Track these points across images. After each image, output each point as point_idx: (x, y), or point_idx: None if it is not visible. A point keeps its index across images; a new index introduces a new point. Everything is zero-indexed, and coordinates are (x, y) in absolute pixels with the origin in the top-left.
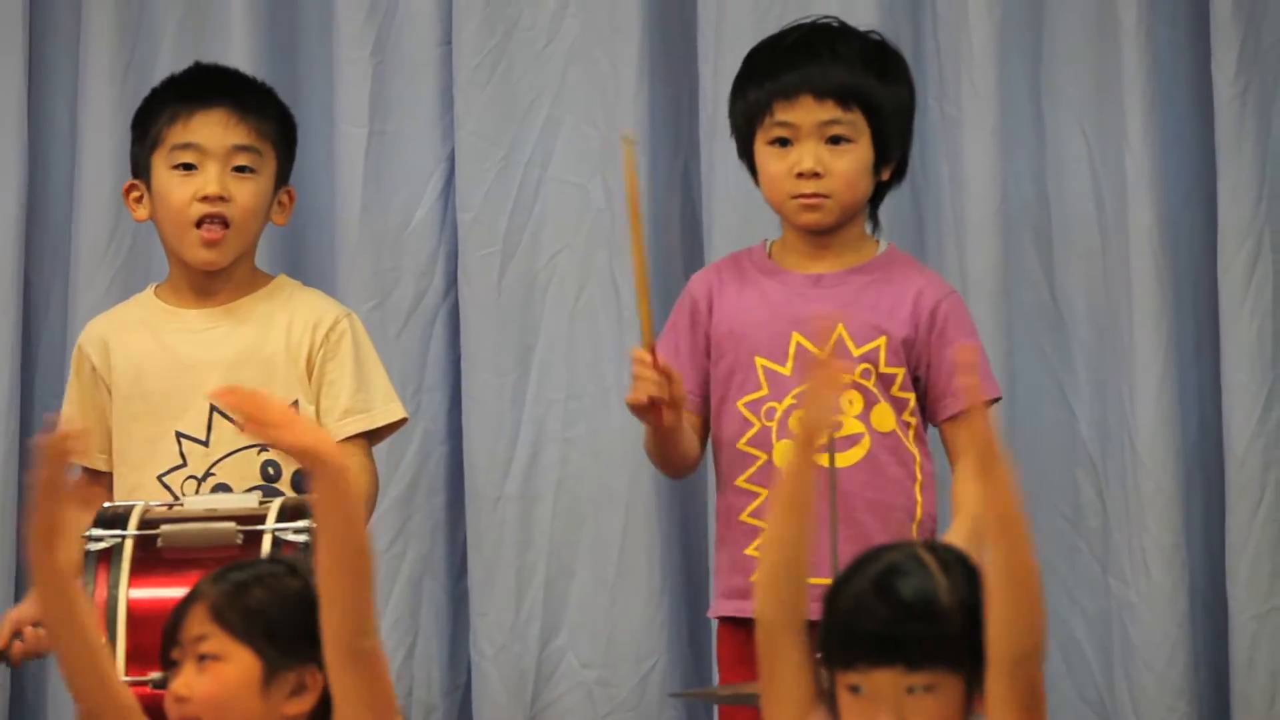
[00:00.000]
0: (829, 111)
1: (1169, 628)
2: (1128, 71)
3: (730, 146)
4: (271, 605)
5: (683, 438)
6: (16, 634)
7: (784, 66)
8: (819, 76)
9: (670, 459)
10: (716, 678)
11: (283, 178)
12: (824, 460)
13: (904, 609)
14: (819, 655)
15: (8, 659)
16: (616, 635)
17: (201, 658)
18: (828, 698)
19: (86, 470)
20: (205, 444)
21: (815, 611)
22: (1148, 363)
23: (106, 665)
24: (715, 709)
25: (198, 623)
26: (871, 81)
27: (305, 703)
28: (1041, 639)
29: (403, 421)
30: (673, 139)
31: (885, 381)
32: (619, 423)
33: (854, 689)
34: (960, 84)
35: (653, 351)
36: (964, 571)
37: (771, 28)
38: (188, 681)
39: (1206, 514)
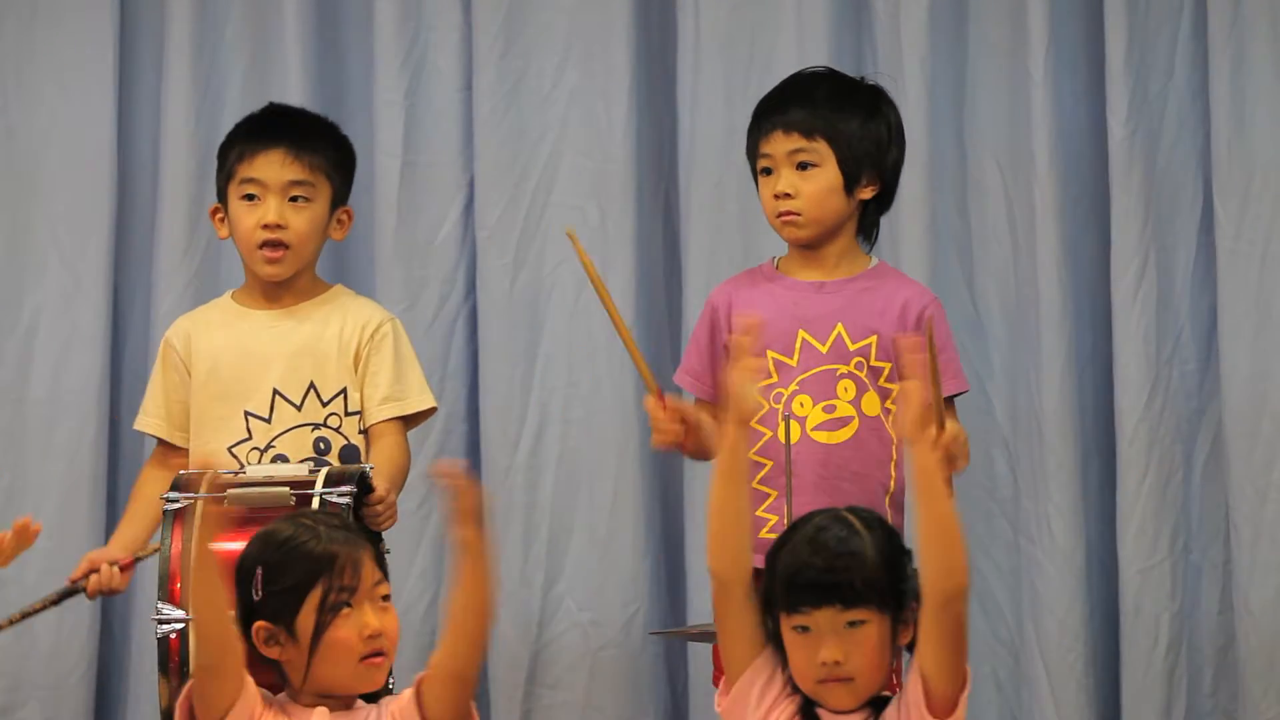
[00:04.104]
0: (795, 142)
1: (1069, 580)
2: (1036, 115)
3: (702, 175)
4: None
5: (710, 442)
6: (93, 570)
7: (768, 111)
8: (785, 115)
9: (707, 457)
10: (689, 620)
11: (340, 199)
12: (783, 437)
13: (835, 557)
14: (763, 604)
15: (83, 591)
16: (607, 584)
17: (385, 598)
18: (773, 639)
19: (164, 444)
20: (268, 421)
21: (759, 561)
22: (1052, 359)
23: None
24: (687, 645)
25: (372, 571)
26: (831, 115)
27: None
28: (964, 580)
29: (433, 410)
30: (655, 169)
31: (874, 373)
32: (610, 406)
33: (801, 629)
34: None
35: (659, 396)
36: (882, 529)
37: (740, 78)
38: (382, 620)
39: (1100, 485)
